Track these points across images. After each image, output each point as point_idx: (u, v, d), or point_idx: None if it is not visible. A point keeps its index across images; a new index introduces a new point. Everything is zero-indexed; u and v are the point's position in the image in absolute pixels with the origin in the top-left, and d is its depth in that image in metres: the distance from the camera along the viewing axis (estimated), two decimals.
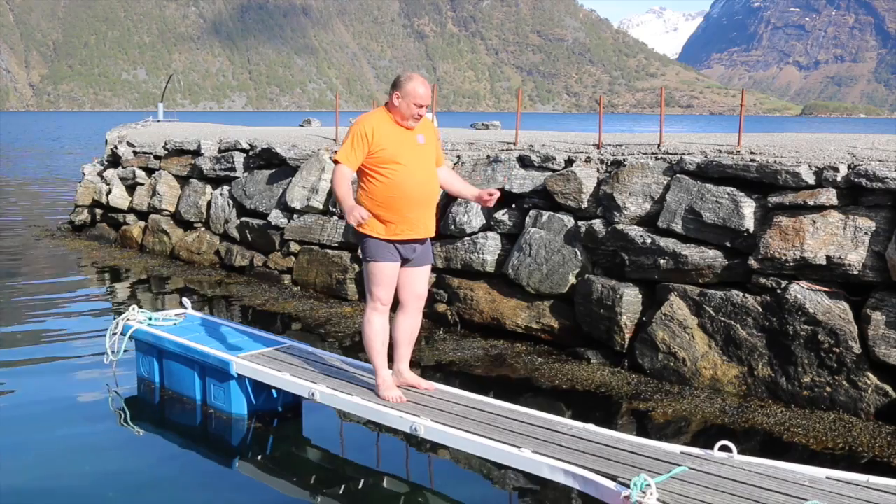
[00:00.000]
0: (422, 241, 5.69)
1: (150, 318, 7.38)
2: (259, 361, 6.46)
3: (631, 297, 7.75)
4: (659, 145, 8.50)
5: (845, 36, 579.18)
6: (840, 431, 6.24)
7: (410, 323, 5.87)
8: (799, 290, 6.71)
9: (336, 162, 5.43)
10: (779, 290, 6.83)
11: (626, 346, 7.75)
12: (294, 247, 11.25)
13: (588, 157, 8.73)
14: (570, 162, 8.78)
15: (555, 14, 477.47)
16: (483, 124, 14.08)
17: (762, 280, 6.96)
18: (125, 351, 7.23)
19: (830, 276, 6.66)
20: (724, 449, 4.71)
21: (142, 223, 14.30)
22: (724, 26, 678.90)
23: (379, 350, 5.73)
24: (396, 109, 5.47)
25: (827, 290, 6.65)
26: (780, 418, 6.51)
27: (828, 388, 6.59)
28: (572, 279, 8.27)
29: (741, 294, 7.04)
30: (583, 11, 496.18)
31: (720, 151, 7.86)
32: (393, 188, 5.41)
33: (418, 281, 5.80)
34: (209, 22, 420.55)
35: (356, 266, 10.35)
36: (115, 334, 7.22)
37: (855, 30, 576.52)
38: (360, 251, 5.73)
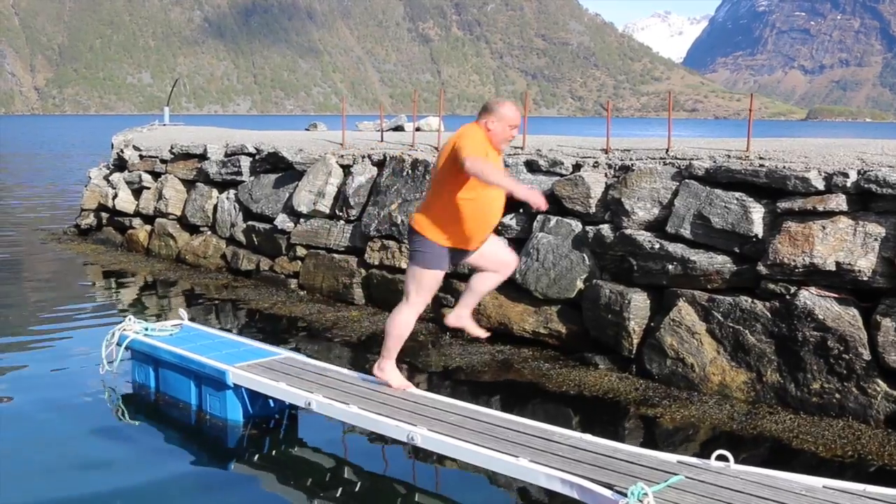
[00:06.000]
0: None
1: (147, 329, 7.38)
2: (255, 371, 6.47)
3: (639, 303, 7.73)
4: (667, 150, 8.48)
5: (850, 40, 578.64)
6: (849, 439, 6.21)
7: (494, 282, 6.12)
8: (808, 297, 6.68)
9: (469, 155, 5.29)
10: (788, 296, 6.81)
11: (634, 351, 7.73)
12: (300, 251, 11.25)
13: (596, 162, 8.71)
14: (577, 167, 8.77)
15: (559, 18, 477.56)
16: None
17: (771, 286, 6.94)
18: (121, 361, 7.24)
19: (840, 282, 6.64)
20: (720, 458, 4.71)
21: (148, 227, 14.30)
22: (729, 30, 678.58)
23: (400, 341, 6.04)
24: (492, 133, 5.61)
25: (836, 296, 6.62)
26: (789, 425, 6.48)
27: (837, 395, 6.56)
28: (580, 284, 8.25)
29: (750, 300, 7.02)
30: (587, 15, 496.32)
31: (729, 156, 7.83)
32: (478, 208, 5.60)
33: (493, 252, 6.00)
34: (214, 25, 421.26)
35: (362, 270, 10.35)
36: (111, 344, 7.24)
37: (860, 34, 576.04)
38: (417, 256, 5.80)
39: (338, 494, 5.47)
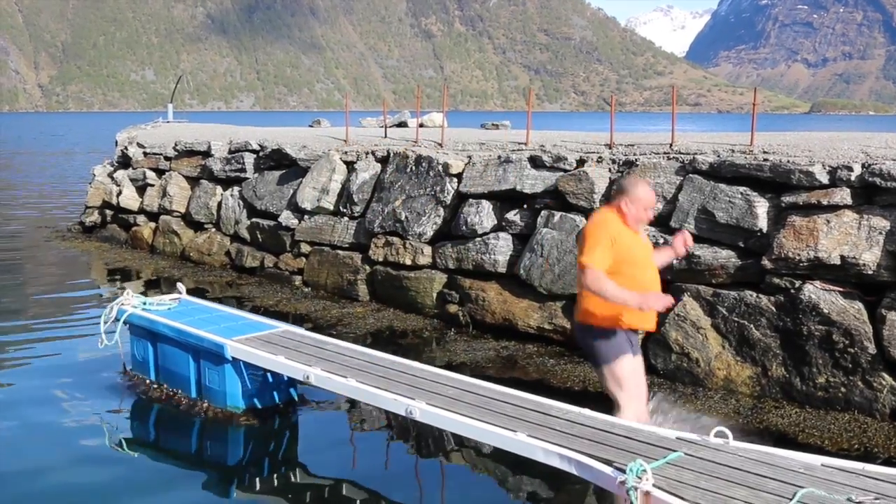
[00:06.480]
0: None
1: (145, 303, 7.38)
2: (254, 345, 6.48)
3: None
4: (671, 145, 8.47)
5: (853, 33, 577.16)
6: (855, 432, 6.21)
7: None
8: (813, 290, 6.68)
9: (585, 266, 5.11)
10: (793, 291, 6.80)
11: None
12: (305, 247, 11.25)
13: (600, 157, 8.71)
14: (581, 162, 8.76)
15: (562, 13, 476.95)
16: (493, 124, 14.08)
17: (776, 280, 6.93)
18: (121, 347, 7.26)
19: (845, 275, 6.63)
20: (719, 435, 4.71)
21: (152, 224, 14.32)
22: (732, 24, 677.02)
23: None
24: (626, 214, 5.35)
25: (841, 289, 6.62)
26: (795, 419, 6.48)
27: (842, 389, 6.56)
28: None
29: (755, 294, 7.01)
30: (590, 10, 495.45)
31: (733, 151, 7.83)
32: (633, 287, 5.19)
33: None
34: (217, 22, 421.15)
35: (367, 267, 10.35)
36: (109, 319, 7.22)
37: (863, 27, 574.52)
38: (596, 352, 5.36)
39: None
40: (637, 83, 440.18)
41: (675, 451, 4.51)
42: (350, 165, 11.19)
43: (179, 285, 8.00)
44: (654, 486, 4.04)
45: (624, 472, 4.14)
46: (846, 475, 4.26)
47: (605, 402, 6.94)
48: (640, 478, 4.06)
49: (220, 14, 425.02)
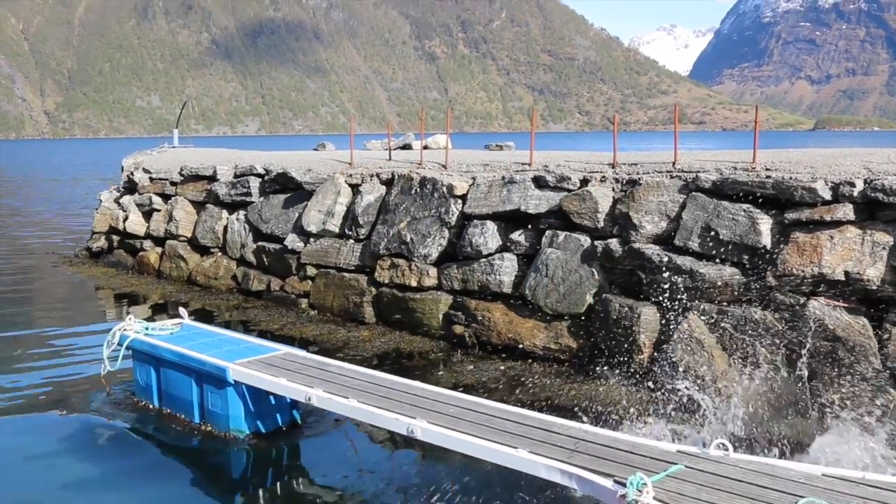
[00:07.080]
0: None
1: (147, 328, 7.43)
2: (256, 367, 6.52)
3: (649, 316, 7.74)
4: (674, 163, 8.51)
5: (856, 49, 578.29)
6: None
7: None
8: (818, 307, 6.69)
9: None
10: (797, 307, 6.81)
11: (645, 365, 7.73)
12: (311, 270, 11.29)
13: (603, 177, 8.74)
14: (585, 182, 8.79)
15: (565, 33, 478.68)
16: (497, 145, 14.16)
17: (780, 297, 6.94)
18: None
19: (849, 291, 6.64)
20: (720, 447, 4.72)
21: (159, 249, 14.37)
22: (735, 42, 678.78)
23: None
24: None
25: (846, 305, 6.62)
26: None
27: (849, 404, 6.54)
28: (589, 299, 8.26)
29: (759, 311, 7.02)
30: (593, 30, 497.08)
31: (735, 168, 7.85)
32: None
33: None
34: (222, 47, 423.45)
35: (373, 289, 10.38)
36: (112, 345, 7.27)
37: (866, 43, 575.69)
38: None
39: None
40: (641, 102, 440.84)
41: (675, 463, 4.53)
42: (355, 188, 11.24)
43: (182, 310, 8.05)
44: (654, 499, 4.06)
45: (624, 485, 4.16)
46: (847, 484, 4.29)
47: (610, 419, 6.97)
48: (640, 491, 4.08)
49: (225, 39, 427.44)
